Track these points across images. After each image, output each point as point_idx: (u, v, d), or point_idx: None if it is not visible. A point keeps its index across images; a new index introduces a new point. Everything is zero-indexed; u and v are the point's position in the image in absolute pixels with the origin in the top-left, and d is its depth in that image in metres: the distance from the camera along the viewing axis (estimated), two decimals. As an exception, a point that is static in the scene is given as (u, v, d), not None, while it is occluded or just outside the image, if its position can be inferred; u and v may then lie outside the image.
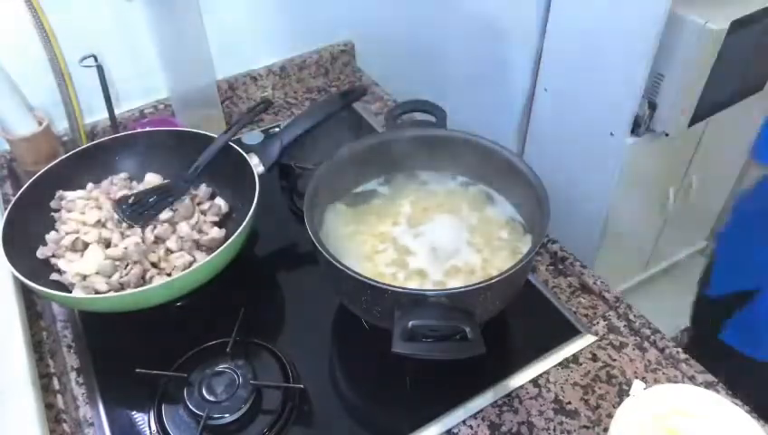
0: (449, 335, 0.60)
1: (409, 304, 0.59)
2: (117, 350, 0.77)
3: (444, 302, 0.59)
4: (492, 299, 0.64)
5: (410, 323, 0.58)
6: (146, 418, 0.68)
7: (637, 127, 1.40)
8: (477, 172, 0.81)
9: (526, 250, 0.70)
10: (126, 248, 0.76)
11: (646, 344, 0.75)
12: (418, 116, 0.83)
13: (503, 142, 0.77)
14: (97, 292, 0.74)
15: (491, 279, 0.60)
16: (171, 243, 0.79)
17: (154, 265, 0.77)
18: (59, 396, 0.70)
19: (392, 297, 0.60)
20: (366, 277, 0.61)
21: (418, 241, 0.75)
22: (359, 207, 0.79)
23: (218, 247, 0.73)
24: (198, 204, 0.86)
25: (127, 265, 0.76)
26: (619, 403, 0.59)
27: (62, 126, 1.04)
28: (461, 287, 0.60)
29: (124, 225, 0.80)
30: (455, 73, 1.49)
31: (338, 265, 0.62)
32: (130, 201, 0.82)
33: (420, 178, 0.83)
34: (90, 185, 0.87)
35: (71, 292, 0.75)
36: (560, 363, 0.73)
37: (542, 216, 0.67)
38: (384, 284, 0.61)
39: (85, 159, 0.87)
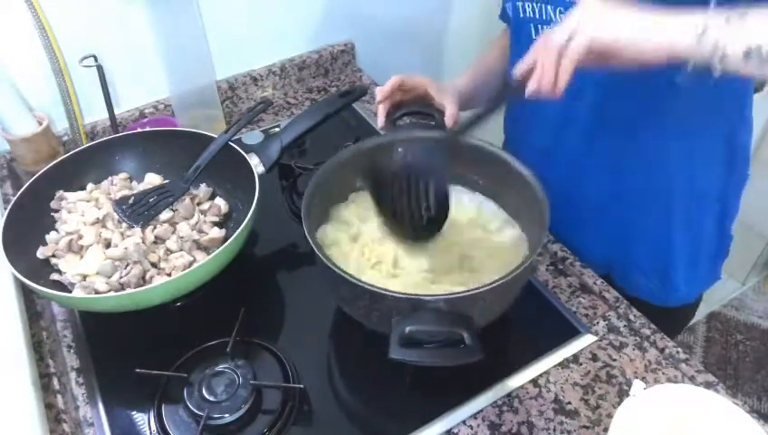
0: (448, 341, 0.60)
1: (407, 310, 0.59)
2: (117, 350, 0.77)
3: (441, 307, 0.59)
4: (490, 304, 0.63)
5: (407, 329, 0.57)
6: (146, 418, 0.68)
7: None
8: (478, 175, 0.80)
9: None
10: (126, 248, 0.76)
11: (646, 344, 0.74)
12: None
13: (499, 144, 0.77)
14: (97, 292, 0.74)
15: (488, 285, 0.60)
16: (171, 243, 0.79)
17: (154, 265, 0.77)
18: (59, 396, 0.70)
19: (390, 302, 0.60)
20: (363, 282, 0.60)
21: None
22: (359, 213, 0.79)
23: (218, 247, 0.73)
24: (198, 204, 0.86)
25: (127, 266, 0.76)
26: (619, 403, 0.59)
27: (62, 126, 1.04)
28: (458, 293, 0.60)
29: (124, 225, 0.80)
30: (455, 73, 1.49)
31: (335, 270, 0.61)
32: (130, 201, 0.82)
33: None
34: (90, 185, 0.87)
35: (71, 292, 0.75)
36: (560, 363, 0.73)
37: (542, 223, 0.66)
38: (382, 289, 0.60)
39: (85, 159, 0.87)
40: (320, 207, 0.75)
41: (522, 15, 0.79)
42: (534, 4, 0.76)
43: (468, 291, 0.60)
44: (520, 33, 0.82)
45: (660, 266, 0.88)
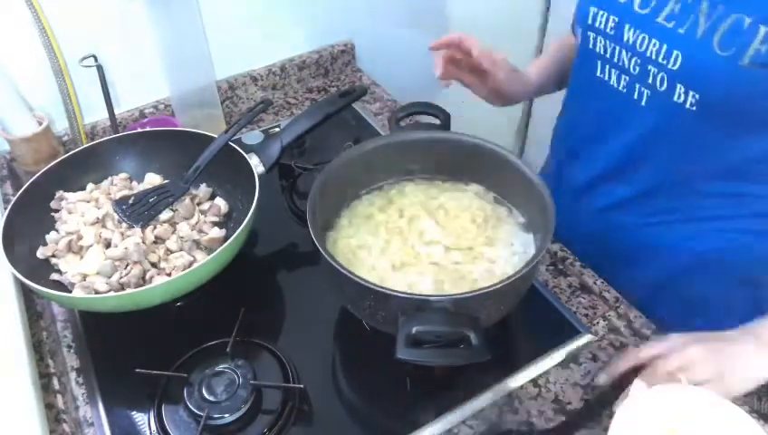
0: (454, 341, 0.59)
1: (413, 310, 0.59)
2: (117, 350, 0.77)
3: (448, 307, 0.59)
4: (496, 304, 0.63)
5: (414, 329, 0.57)
6: (146, 418, 0.68)
7: (637, 127, 1.40)
8: (483, 176, 0.80)
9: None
10: (126, 248, 0.76)
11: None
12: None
13: (502, 143, 0.77)
14: (97, 292, 0.74)
15: (495, 285, 0.60)
16: (171, 243, 0.79)
17: (154, 265, 0.77)
18: (59, 396, 0.70)
19: (396, 302, 0.60)
20: (370, 282, 0.60)
21: (424, 245, 0.74)
22: (363, 213, 0.79)
23: (218, 247, 0.73)
24: (198, 204, 0.86)
25: (127, 266, 0.76)
26: (619, 403, 0.59)
27: (62, 126, 1.04)
28: (465, 293, 0.60)
29: (124, 225, 0.80)
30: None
31: (341, 270, 0.61)
32: (130, 201, 0.82)
33: (426, 181, 0.82)
34: (90, 185, 0.87)
35: (71, 292, 0.75)
36: (560, 363, 0.73)
37: (547, 224, 0.66)
38: (388, 289, 0.60)
39: (85, 159, 0.87)
40: (326, 206, 0.75)
41: (590, 46, 0.75)
42: (607, 42, 0.72)
43: (474, 291, 0.59)
44: (583, 67, 0.79)
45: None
